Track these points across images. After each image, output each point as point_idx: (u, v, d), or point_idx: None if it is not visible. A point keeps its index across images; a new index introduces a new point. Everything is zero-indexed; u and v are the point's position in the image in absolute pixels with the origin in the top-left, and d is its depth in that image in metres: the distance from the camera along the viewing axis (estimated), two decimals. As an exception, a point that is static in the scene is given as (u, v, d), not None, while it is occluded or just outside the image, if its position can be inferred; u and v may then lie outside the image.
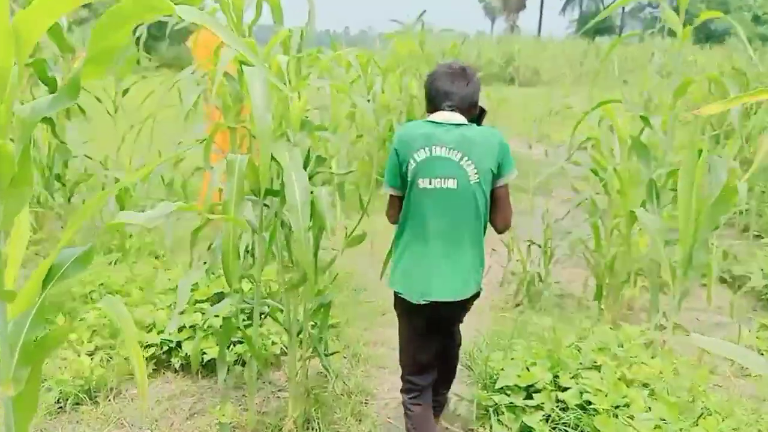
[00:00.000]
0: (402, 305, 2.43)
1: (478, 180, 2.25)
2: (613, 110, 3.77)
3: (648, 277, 3.57)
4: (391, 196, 2.42)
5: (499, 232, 2.45)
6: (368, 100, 7.02)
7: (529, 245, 4.37)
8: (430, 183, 2.26)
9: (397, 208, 2.41)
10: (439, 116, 2.32)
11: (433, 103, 2.37)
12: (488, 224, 2.39)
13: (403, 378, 2.57)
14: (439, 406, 2.80)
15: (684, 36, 3.40)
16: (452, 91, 2.32)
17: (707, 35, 36.26)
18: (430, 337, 2.49)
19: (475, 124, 2.35)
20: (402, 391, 2.57)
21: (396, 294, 2.42)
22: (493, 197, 2.33)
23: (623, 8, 56.33)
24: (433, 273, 2.30)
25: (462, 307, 2.46)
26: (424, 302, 2.30)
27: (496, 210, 2.36)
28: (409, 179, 2.30)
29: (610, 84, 22.43)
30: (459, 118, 2.31)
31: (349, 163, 7.31)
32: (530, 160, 10.46)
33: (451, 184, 2.24)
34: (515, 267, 4.51)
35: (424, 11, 7.31)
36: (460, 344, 2.80)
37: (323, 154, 2.78)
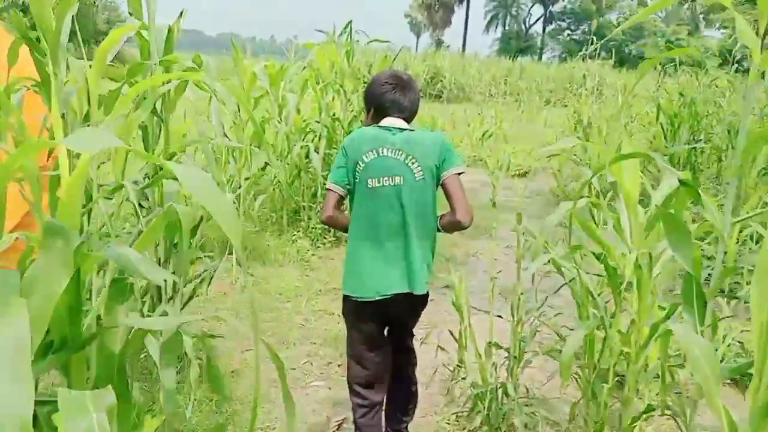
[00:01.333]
0: (353, 310, 2.48)
1: (423, 177, 2.36)
2: (620, 165, 2.52)
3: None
4: (329, 191, 2.44)
5: (465, 226, 2.42)
6: (278, 121, 5.60)
7: (489, 345, 3.05)
8: (378, 182, 2.34)
9: (330, 203, 2.43)
10: (387, 122, 2.44)
11: (381, 112, 2.46)
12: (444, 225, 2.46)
13: (351, 392, 2.60)
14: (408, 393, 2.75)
15: (764, 62, 2.19)
16: (402, 102, 2.44)
17: (621, 59, 37.00)
18: (381, 345, 2.56)
19: (417, 129, 2.46)
20: (352, 409, 2.60)
21: (346, 299, 2.47)
22: (445, 192, 2.41)
23: (543, 30, 57.49)
24: (384, 268, 2.37)
25: (413, 309, 2.55)
26: (378, 298, 2.36)
27: (452, 201, 2.40)
28: (357, 180, 2.37)
29: (534, 105, 22.08)
30: (404, 124, 2.44)
31: (251, 198, 5.86)
32: (467, 189, 9.28)
33: (398, 181, 2.34)
34: (466, 368, 3.21)
35: (351, 21, 6.01)
36: (415, 364, 2.78)
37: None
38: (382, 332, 2.57)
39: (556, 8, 55.55)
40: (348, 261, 2.45)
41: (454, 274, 3.31)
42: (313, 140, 5.89)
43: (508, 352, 2.98)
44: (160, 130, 3.12)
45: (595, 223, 2.88)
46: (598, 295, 2.73)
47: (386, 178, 2.33)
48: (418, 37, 59.53)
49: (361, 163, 2.35)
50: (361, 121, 2.65)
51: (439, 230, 2.51)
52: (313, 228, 5.70)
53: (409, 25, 59.21)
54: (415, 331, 2.79)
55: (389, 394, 2.69)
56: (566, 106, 24.20)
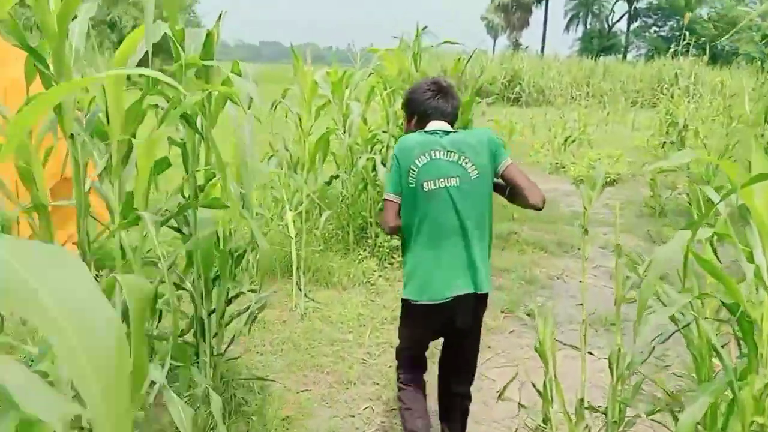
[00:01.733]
0: (413, 315, 2.48)
1: (478, 175, 2.36)
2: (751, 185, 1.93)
3: None
4: (388, 202, 2.43)
5: (539, 207, 2.43)
6: (344, 132, 5.21)
7: (581, 404, 2.50)
8: (434, 184, 2.33)
9: (392, 213, 2.43)
10: (432, 125, 2.46)
11: (424, 118, 2.50)
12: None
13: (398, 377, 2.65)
14: (461, 410, 2.67)
15: None
16: (445, 109, 2.48)
17: (714, 56, 34.70)
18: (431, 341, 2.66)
19: (461, 130, 2.49)
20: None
21: (408, 303, 2.43)
22: (510, 182, 2.43)
23: (628, 27, 55.04)
24: (448, 270, 2.35)
25: (475, 312, 2.48)
26: (442, 301, 2.35)
27: (520, 188, 2.40)
28: (412, 185, 2.36)
29: (619, 106, 20.84)
30: (449, 127, 2.48)
31: (316, 215, 5.50)
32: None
33: (455, 182, 2.33)
34: (552, 429, 2.65)
35: (425, 27, 5.55)
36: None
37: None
38: (428, 343, 2.65)
39: (642, 4, 52.98)
40: (411, 267, 2.43)
41: (536, 310, 2.77)
42: (380, 151, 5.46)
43: (605, 415, 2.41)
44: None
45: (717, 256, 2.28)
46: (722, 346, 2.14)
47: (442, 180, 2.33)
48: (495, 40, 58.36)
49: (414, 167, 2.34)
50: (402, 129, 2.70)
51: (507, 200, 2.52)
52: (380, 246, 5.26)
53: (486, 27, 58.14)
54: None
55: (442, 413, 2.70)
56: (655, 106, 22.81)
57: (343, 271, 4.91)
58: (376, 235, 5.35)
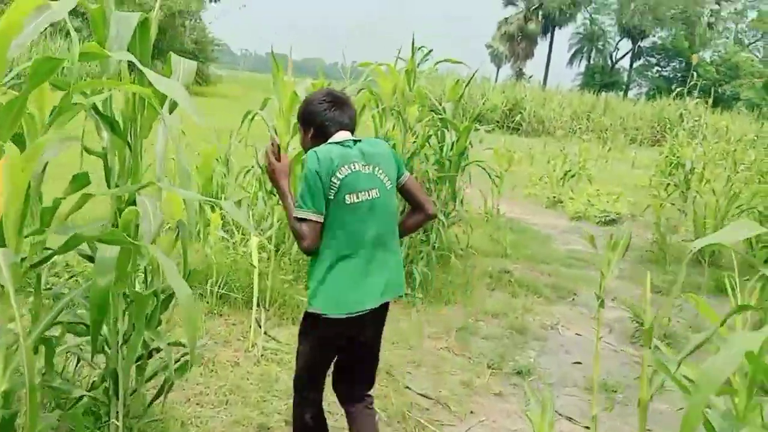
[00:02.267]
0: (325, 329, 2.35)
1: (390, 186, 2.40)
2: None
3: None
4: (311, 222, 2.27)
5: (434, 216, 2.58)
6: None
7: None
8: (357, 197, 2.30)
9: (315, 235, 2.28)
10: (340, 136, 2.39)
11: (323, 130, 2.41)
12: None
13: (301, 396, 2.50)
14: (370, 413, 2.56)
15: None
16: (343, 120, 2.42)
17: (715, 100, 34.53)
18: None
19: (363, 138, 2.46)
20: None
21: (314, 316, 2.33)
22: (408, 193, 2.50)
23: (630, 65, 55.04)
24: (368, 281, 2.33)
25: (382, 323, 2.52)
26: (361, 312, 2.32)
27: (418, 199, 2.51)
28: (331, 197, 2.28)
29: (619, 143, 20.46)
30: (351, 136, 2.42)
31: (290, 243, 4.95)
32: (543, 237, 8.09)
33: (375, 194, 2.34)
34: None
35: (431, 50, 5.08)
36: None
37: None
38: (334, 357, 2.53)
39: (646, 43, 53.02)
40: (321, 277, 2.31)
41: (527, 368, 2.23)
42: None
43: None
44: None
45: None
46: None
47: (363, 193, 2.31)
48: (498, 68, 58.26)
49: (335, 180, 2.27)
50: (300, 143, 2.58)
51: (401, 236, 2.54)
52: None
53: (490, 56, 58.06)
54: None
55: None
56: (654, 145, 22.44)
57: (314, 305, 4.34)
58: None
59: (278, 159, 2.42)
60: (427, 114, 5.17)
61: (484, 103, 17.95)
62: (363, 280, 2.32)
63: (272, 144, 2.44)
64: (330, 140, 2.38)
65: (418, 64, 4.99)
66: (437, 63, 5.25)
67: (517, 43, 55.23)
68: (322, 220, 2.28)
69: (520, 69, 54.13)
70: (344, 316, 2.30)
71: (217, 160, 5.59)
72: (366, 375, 2.59)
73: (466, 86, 5.71)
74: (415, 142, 5.08)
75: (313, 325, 2.38)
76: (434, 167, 5.38)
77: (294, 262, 4.87)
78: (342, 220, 2.30)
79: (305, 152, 2.39)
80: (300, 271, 4.82)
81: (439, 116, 5.35)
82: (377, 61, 4.93)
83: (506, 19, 55.63)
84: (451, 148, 5.47)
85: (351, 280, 2.31)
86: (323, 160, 2.26)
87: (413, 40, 4.88)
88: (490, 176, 6.55)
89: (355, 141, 2.39)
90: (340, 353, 2.50)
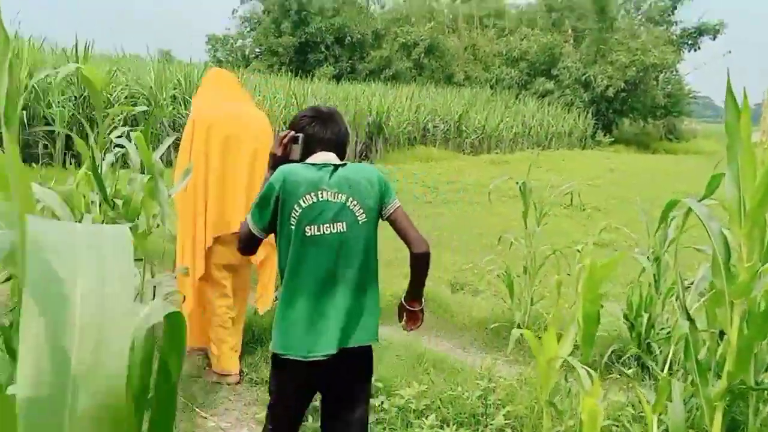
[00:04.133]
0: (281, 368, 2.18)
1: (365, 219, 2.17)
2: None
3: None
4: (255, 237, 2.17)
5: (422, 256, 2.20)
6: None
7: None
8: (318, 230, 2.11)
9: (253, 244, 2.21)
10: (319, 158, 2.22)
11: (308, 148, 2.25)
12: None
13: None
14: None
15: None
16: (322, 136, 2.25)
17: None
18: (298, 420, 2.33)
19: (349, 162, 2.25)
20: None
21: (275, 356, 2.17)
22: (394, 227, 2.23)
23: None
24: (325, 324, 2.10)
25: (357, 369, 2.25)
26: (313, 358, 2.09)
27: (405, 234, 2.20)
28: (293, 226, 2.11)
29: None
30: (335, 159, 2.23)
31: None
32: None
33: (341, 227, 2.13)
34: None
35: None
36: None
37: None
38: (301, 402, 2.28)
39: None
40: (280, 317, 2.16)
41: None
42: None
43: None
44: None
45: None
46: None
47: (327, 226, 2.11)
48: None
49: (297, 207, 2.10)
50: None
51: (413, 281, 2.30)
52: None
53: None
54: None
55: None
56: None
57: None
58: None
59: (286, 151, 2.25)
60: None
61: None
62: (319, 322, 2.11)
63: (288, 135, 2.26)
64: (309, 160, 2.21)
65: None
66: None
67: None
68: (262, 237, 2.17)
69: None
70: (299, 359, 2.10)
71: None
72: (337, 411, 2.27)
73: None
74: None
75: (273, 365, 2.23)
76: None
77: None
78: (302, 254, 2.12)
79: None
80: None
81: None
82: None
83: None
84: None
85: (307, 320, 2.11)
86: (289, 182, 2.10)
87: None
88: None
89: (337, 166, 2.18)
90: (323, 409, 2.33)
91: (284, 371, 2.19)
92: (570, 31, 30.69)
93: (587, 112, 26.78)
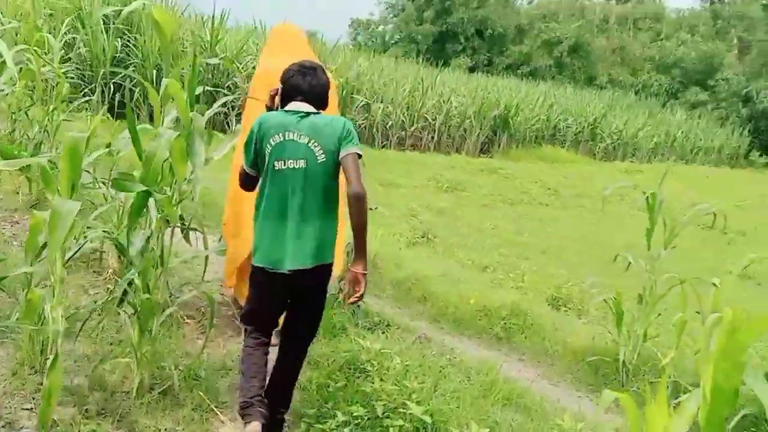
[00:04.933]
0: (259, 277, 2.53)
1: (324, 159, 2.44)
2: None
3: None
4: (247, 174, 2.59)
5: (354, 196, 2.39)
6: None
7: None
8: (284, 164, 2.43)
9: (248, 180, 2.62)
10: (292, 106, 2.54)
11: (287, 97, 2.59)
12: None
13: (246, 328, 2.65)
14: (277, 427, 2.61)
15: None
16: (302, 86, 2.56)
17: None
18: (273, 313, 2.65)
19: (323, 113, 2.57)
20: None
21: (254, 266, 2.52)
22: (342, 167, 2.46)
23: None
24: (287, 244, 2.44)
25: (317, 281, 2.55)
26: (284, 271, 2.43)
27: (347, 176, 2.43)
28: (266, 162, 2.47)
29: None
30: (310, 107, 2.53)
31: None
32: None
33: (302, 164, 2.43)
34: None
35: None
36: (304, 355, 2.73)
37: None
38: (280, 306, 2.62)
39: None
40: (256, 235, 2.53)
41: None
42: None
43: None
44: None
45: None
46: None
47: (291, 162, 2.43)
48: None
49: (268, 146, 2.45)
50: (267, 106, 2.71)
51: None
52: None
53: None
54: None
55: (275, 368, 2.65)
56: None
57: None
58: None
59: (273, 103, 2.65)
60: None
61: None
62: (284, 242, 2.44)
63: (275, 90, 2.64)
64: (286, 107, 2.55)
65: None
66: None
67: None
68: (251, 173, 2.57)
69: None
70: (269, 268, 2.45)
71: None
72: (298, 330, 2.64)
73: None
74: None
75: (252, 272, 2.57)
76: None
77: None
78: (270, 184, 2.47)
79: None
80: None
81: None
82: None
83: None
84: None
85: (274, 238, 2.45)
86: (263, 125, 2.48)
87: None
88: None
89: (309, 113, 2.50)
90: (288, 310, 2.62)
91: (255, 276, 2.55)
92: (735, 41, 27.66)
93: (743, 129, 23.93)
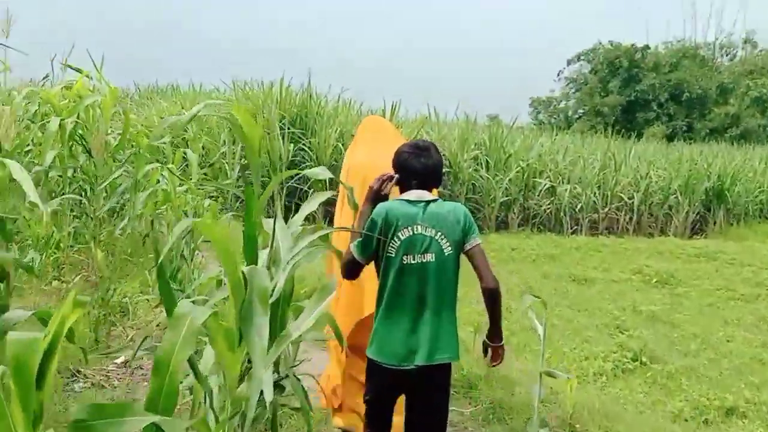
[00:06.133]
0: (376, 372, 2.47)
1: (451, 252, 2.41)
2: None
3: None
4: (360, 265, 2.46)
5: (488, 290, 2.41)
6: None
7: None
8: (413, 259, 2.39)
9: (356, 269, 2.47)
10: (413, 195, 2.46)
11: (403, 179, 2.51)
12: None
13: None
14: None
15: None
16: (418, 168, 2.48)
17: None
18: (387, 412, 2.54)
19: (441, 199, 2.51)
20: None
21: (372, 361, 2.47)
22: (471, 261, 2.45)
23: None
24: (413, 340, 2.38)
25: (434, 380, 2.45)
26: (404, 367, 2.38)
27: (479, 270, 2.43)
28: (391, 255, 2.41)
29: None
30: (428, 195, 2.48)
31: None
32: None
33: (430, 257, 2.39)
34: None
35: None
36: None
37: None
38: (393, 402, 2.55)
39: None
40: (376, 325, 2.47)
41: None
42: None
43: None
44: None
45: None
46: None
47: (419, 256, 2.38)
48: None
49: (396, 240, 2.40)
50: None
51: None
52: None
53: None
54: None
55: None
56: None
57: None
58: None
59: (383, 189, 2.49)
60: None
61: None
62: (408, 337, 2.37)
63: (387, 175, 2.51)
64: (403, 196, 2.47)
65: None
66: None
67: None
68: (362, 262, 2.44)
69: None
70: (390, 366, 2.38)
71: None
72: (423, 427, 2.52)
73: None
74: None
75: (369, 369, 2.49)
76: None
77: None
78: (396, 279, 2.40)
79: None
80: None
81: None
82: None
83: None
84: None
85: (399, 334, 2.38)
86: (390, 218, 2.39)
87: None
88: None
89: (428, 202, 2.44)
90: (407, 411, 2.50)
91: (378, 375, 2.45)
92: None
93: None
